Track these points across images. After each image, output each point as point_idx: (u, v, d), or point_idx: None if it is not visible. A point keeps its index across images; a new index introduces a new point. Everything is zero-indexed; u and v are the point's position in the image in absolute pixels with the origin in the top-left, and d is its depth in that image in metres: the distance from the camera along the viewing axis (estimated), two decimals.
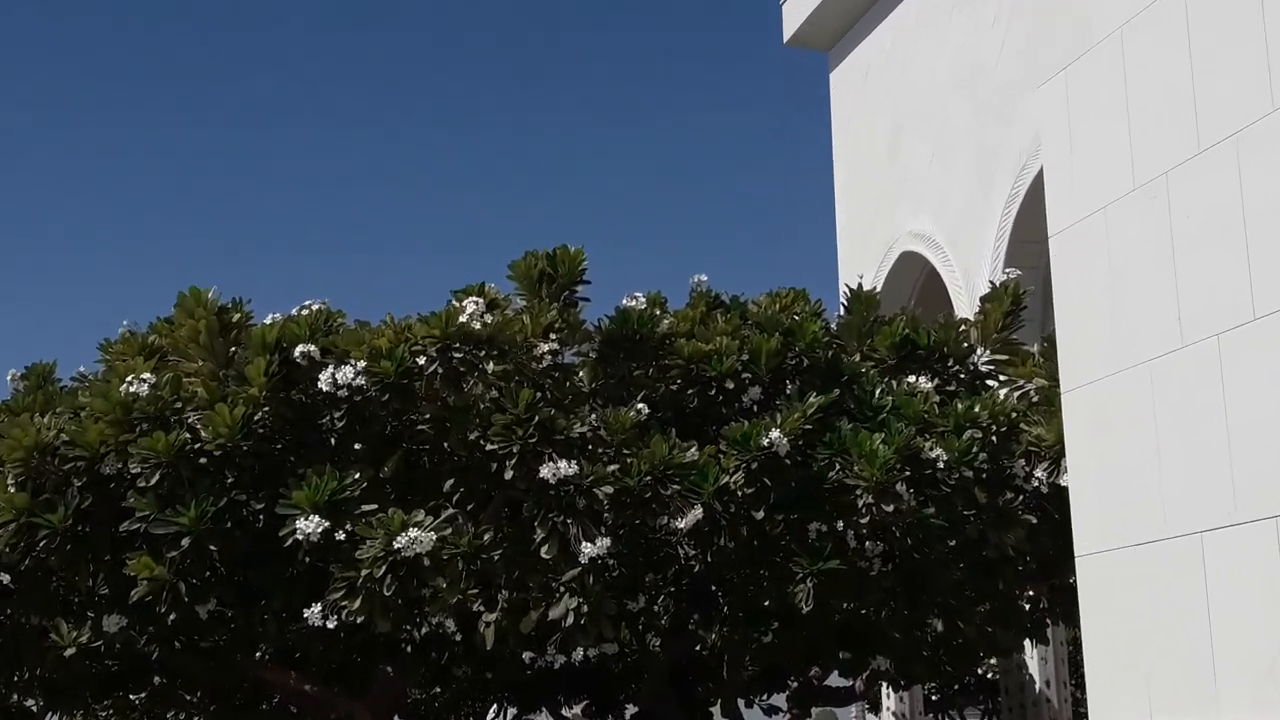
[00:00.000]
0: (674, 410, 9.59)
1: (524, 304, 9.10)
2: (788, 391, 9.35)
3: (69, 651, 9.16)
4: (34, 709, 10.86)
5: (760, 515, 8.87)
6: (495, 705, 19.31)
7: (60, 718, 12.00)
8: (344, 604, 8.08)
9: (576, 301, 9.29)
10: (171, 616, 8.38)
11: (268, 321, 8.76)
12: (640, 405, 8.84)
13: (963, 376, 10.35)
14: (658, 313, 9.61)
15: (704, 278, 10.42)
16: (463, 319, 8.30)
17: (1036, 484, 9.45)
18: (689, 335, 9.57)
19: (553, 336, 8.79)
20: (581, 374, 9.55)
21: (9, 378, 10.01)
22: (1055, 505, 9.34)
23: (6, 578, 8.84)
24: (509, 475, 8.29)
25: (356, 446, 8.84)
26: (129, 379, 8.45)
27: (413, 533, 7.88)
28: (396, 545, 7.86)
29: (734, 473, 8.70)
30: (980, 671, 21.73)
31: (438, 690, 16.61)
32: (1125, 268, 6.04)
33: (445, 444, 8.87)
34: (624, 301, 9.54)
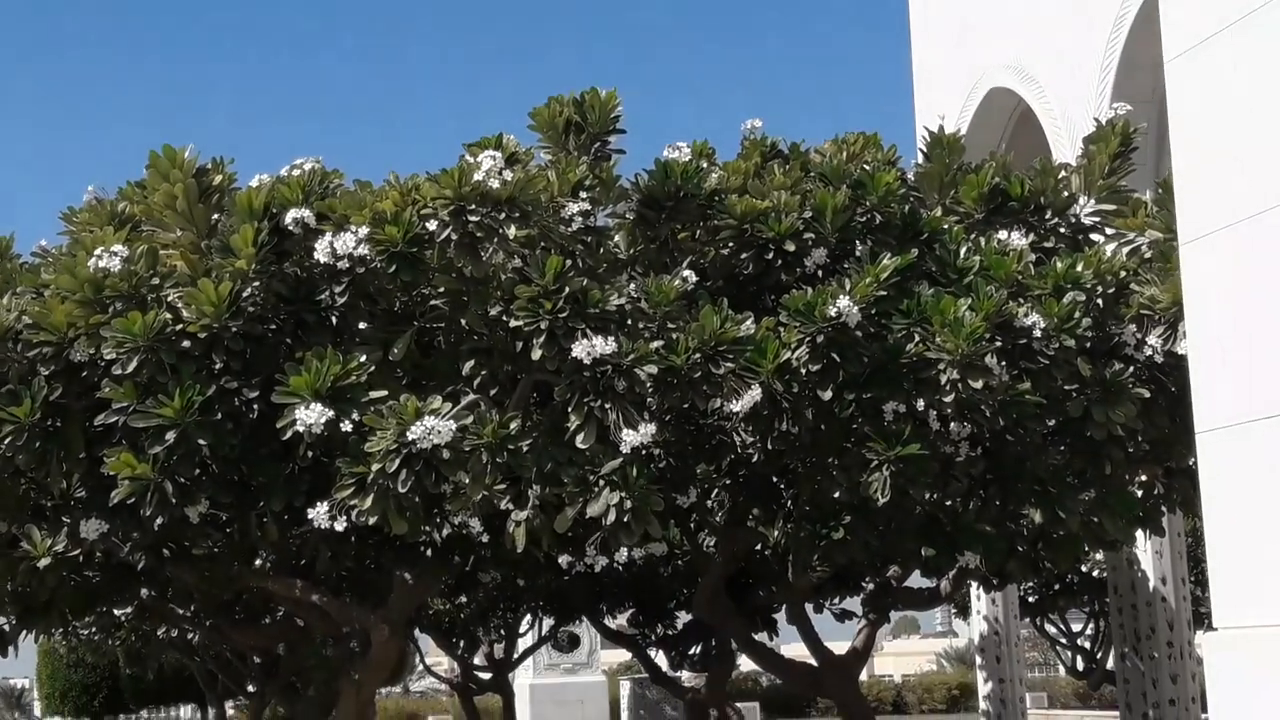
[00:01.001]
0: (726, 277, 9.59)
1: (549, 158, 9.08)
2: (858, 253, 9.30)
3: (43, 562, 9.29)
4: (5, 628, 11.01)
5: (828, 395, 8.90)
6: (529, 615, 19.67)
7: (35, 637, 12.17)
8: (353, 503, 8.16)
9: (610, 155, 9.25)
10: (158, 520, 8.48)
11: (254, 184, 8.74)
12: (686, 272, 8.84)
13: (1063, 231, 10.31)
14: (705, 165, 9.55)
15: (758, 123, 10.37)
16: (478, 176, 8.25)
17: (1149, 352, 9.46)
18: (742, 190, 9.51)
19: (583, 195, 8.74)
20: (617, 238, 9.52)
21: None
22: (1171, 376, 9.37)
23: None
24: (537, 355, 8.31)
25: (361, 325, 8.87)
26: (98, 252, 8.46)
27: (429, 421, 7.92)
28: (411, 436, 7.90)
29: (796, 347, 8.71)
30: (1084, 569, 21.99)
31: (463, 599, 16.88)
32: (1259, 94, 5.91)
33: (463, 321, 8.90)
34: (665, 153, 9.46)
